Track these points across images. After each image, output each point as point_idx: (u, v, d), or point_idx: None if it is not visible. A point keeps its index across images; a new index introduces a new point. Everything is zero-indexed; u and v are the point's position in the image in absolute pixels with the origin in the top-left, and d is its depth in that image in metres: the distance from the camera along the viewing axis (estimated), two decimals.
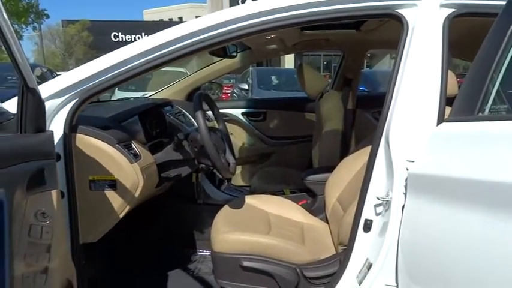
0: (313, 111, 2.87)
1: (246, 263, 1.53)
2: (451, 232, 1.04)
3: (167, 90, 2.83)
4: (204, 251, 2.08)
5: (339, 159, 2.07)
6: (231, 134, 3.10)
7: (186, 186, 2.07)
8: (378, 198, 1.31)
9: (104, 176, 1.45)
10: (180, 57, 1.41)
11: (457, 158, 1.07)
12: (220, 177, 2.29)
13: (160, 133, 1.82)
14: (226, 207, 1.87)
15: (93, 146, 1.45)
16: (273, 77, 8.74)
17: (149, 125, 1.77)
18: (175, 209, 2.10)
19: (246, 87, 8.15)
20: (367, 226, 1.36)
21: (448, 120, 1.26)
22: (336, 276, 1.43)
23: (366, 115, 2.85)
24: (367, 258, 1.35)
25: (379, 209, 1.34)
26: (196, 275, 1.94)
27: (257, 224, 1.75)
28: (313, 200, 2.20)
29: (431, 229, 1.13)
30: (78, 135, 1.43)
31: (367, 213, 1.36)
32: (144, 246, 2.05)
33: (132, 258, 1.99)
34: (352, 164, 1.91)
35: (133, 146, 1.57)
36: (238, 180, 3.12)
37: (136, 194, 1.48)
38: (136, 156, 1.54)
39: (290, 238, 1.69)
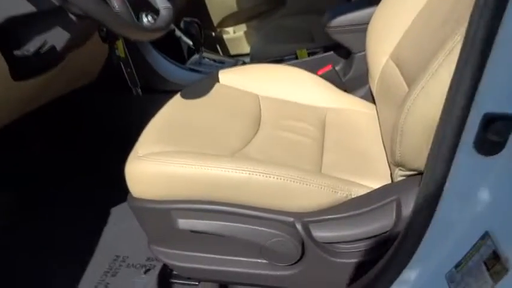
0: None
1: (183, 223, 0.71)
2: None
3: None
4: None
5: None
6: None
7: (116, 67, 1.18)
8: None
9: None
10: None
11: None
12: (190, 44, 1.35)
13: None
14: (175, 100, 0.99)
15: None
16: None
17: None
18: (101, 110, 1.25)
19: None
20: (492, 142, 0.42)
21: None
22: (392, 256, 0.57)
23: None
24: (487, 233, 0.45)
25: None
26: None
27: (228, 127, 0.87)
28: (345, 64, 1.23)
29: None
30: None
31: (490, 100, 0.41)
32: (60, 176, 1.28)
33: (40, 199, 1.24)
34: None
35: None
36: (235, 47, 2.14)
37: None
38: None
39: (292, 155, 0.80)
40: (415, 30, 0.87)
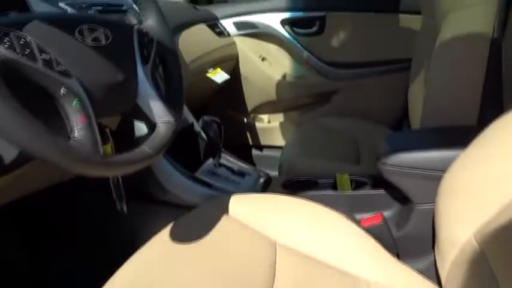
0: (416, 11, 1.45)
1: None
2: None
3: None
4: None
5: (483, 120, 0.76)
6: (263, 58, 1.84)
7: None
8: None
9: None
10: None
11: None
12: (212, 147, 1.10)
13: None
14: (158, 240, 0.71)
15: None
16: None
17: None
18: (77, 216, 0.99)
19: None
20: None
21: None
22: None
23: None
24: None
25: None
26: None
27: None
28: (399, 213, 0.92)
29: None
30: None
31: None
32: None
33: None
34: None
35: None
36: (268, 137, 1.91)
37: None
38: None
39: None
40: None
